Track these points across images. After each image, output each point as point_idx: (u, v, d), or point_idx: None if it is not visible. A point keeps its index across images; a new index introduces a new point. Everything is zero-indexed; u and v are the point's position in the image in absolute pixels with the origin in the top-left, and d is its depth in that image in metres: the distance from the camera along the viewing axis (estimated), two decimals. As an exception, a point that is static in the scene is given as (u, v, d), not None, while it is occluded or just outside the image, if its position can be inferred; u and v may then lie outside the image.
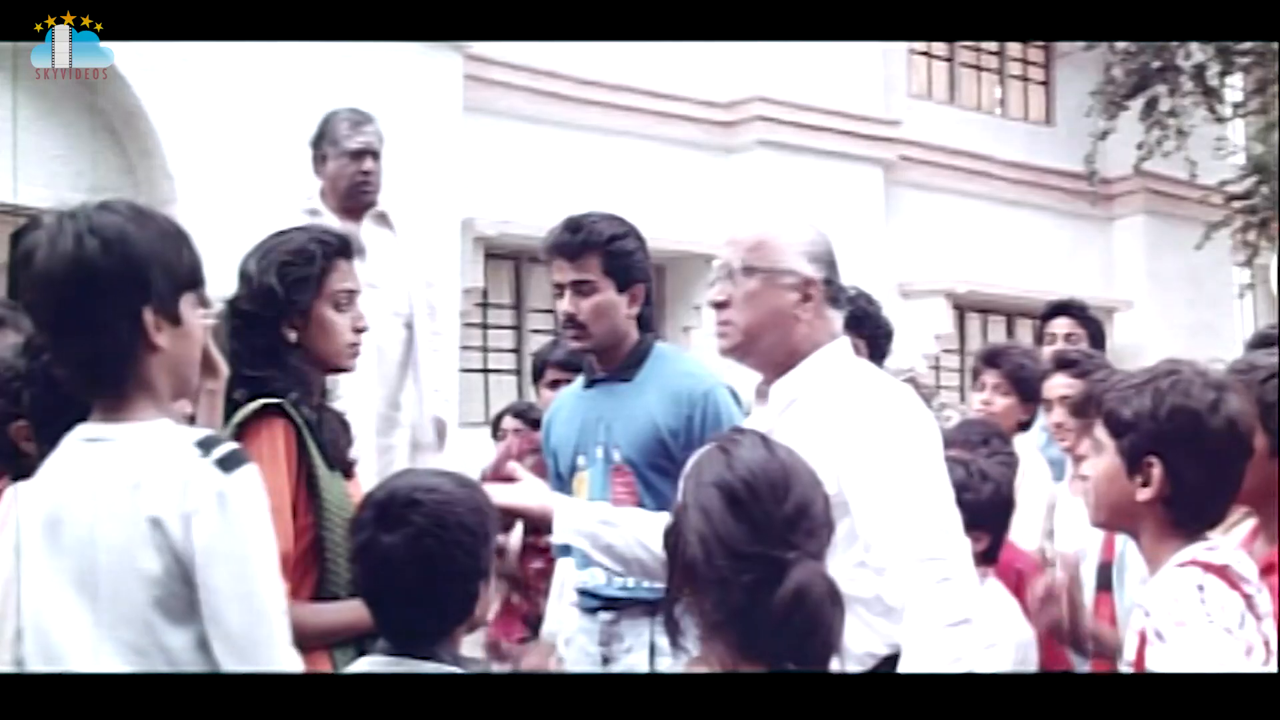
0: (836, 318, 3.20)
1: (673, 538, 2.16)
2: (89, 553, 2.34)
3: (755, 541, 2.08)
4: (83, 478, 2.38)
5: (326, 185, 5.64)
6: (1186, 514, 2.55)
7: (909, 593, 2.87)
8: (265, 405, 3.11)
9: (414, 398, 5.76)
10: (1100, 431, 2.63)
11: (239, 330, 3.23)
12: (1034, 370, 5.29)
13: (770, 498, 2.11)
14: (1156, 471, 2.53)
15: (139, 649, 2.32)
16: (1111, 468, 2.60)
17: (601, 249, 3.73)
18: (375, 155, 5.66)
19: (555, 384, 5.24)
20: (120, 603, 2.32)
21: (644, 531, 3.25)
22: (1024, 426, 5.28)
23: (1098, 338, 6.10)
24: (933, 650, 2.81)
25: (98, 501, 2.34)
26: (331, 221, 5.44)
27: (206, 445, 2.35)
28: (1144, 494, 2.54)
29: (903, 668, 2.84)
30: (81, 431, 2.43)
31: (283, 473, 3.08)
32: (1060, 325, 6.13)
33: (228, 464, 2.33)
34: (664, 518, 3.23)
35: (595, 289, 3.73)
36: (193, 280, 2.47)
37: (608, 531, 3.30)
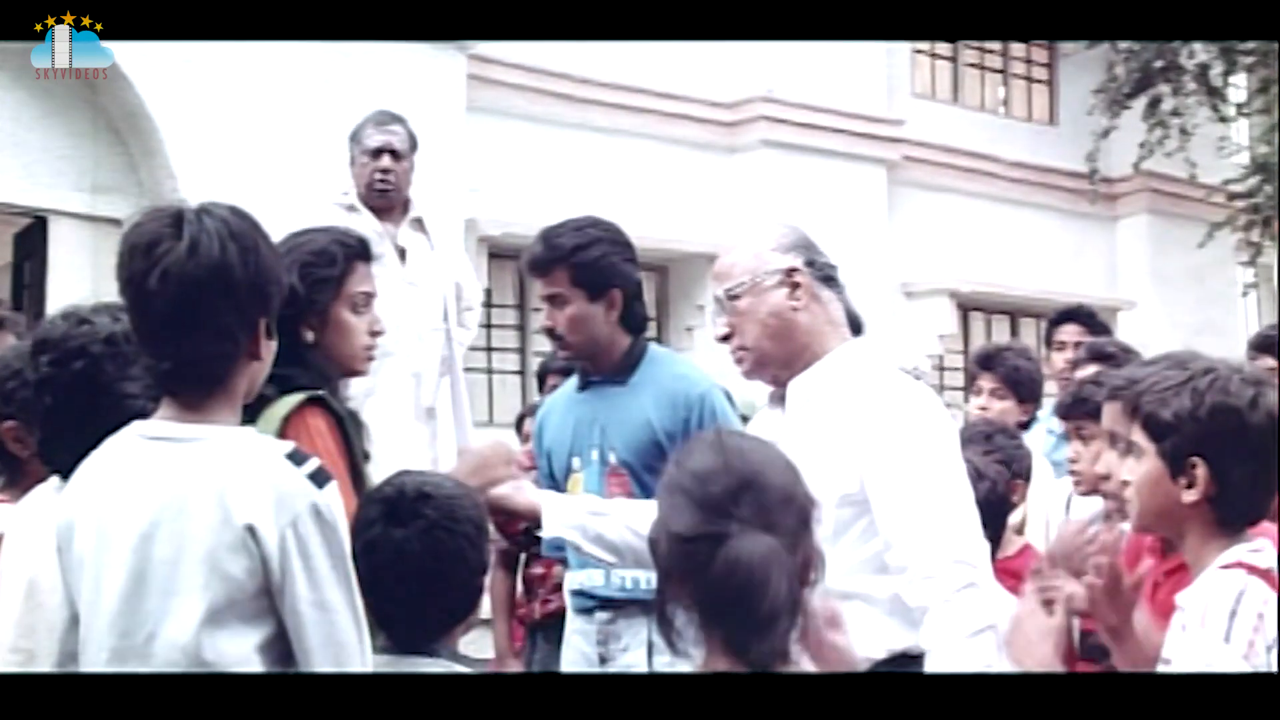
0: (833, 299, 3.20)
1: (653, 549, 2.19)
2: (148, 550, 2.35)
3: (702, 524, 2.09)
4: (158, 475, 2.38)
5: (355, 183, 5.74)
6: (1232, 513, 2.52)
7: (932, 598, 2.86)
8: (309, 397, 3.10)
9: (453, 403, 5.85)
10: (1139, 435, 2.59)
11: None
12: (1029, 370, 5.26)
13: (711, 479, 2.12)
14: (1201, 472, 2.49)
15: (182, 648, 2.32)
16: (1153, 472, 2.56)
17: (566, 262, 3.71)
18: (395, 154, 5.76)
19: (555, 389, 5.28)
20: (176, 598, 2.32)
21: (634, 519, 3.26)
22: (1023, 428, 5.25)
23: None
24: (958, 659, 2.80)
25: (178, 501, 2.34)
26: (369, 220, 5.54)
27: (296, 459, 2.38)
28: (1190, 496, 2.51)
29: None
30: (149, 429, 2.43)
31: (339, 463, 3.08)
32: (1069, 332, 6.11)
33: (319, 479, 2.37)
34: (652, 505, 3.26)
35: (566, 301, 3.72)
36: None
37: (597, 521, 3.31)
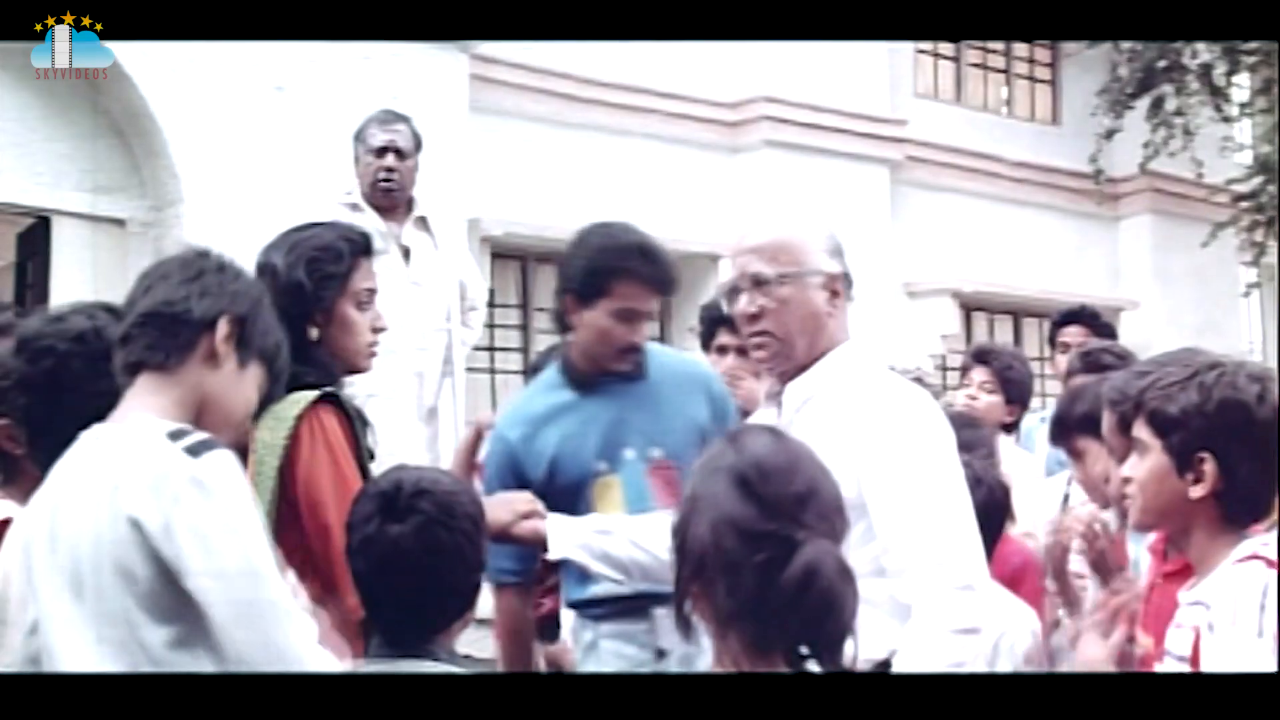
0: (847, 310, 3.20)
1: (681, 532, 2.15)
2: (77, 552, 2.37)
3: (766, 520, 2.06)
4: (74, 476, 2.43)
5: (359, 182, 5.74)
6: (1239, 508, 2.51)
7: (924, 594, 2.86)
8: (321, 395, 3.10)
9: (450, 399, 5.85)
10: (1143, 431, 2.58)
11: None
12: (1022, 372, 5.33)
13: (779, 478, 2.10)
14: (1209, 467, 2.48)
15: (123, 645, 2.33)
16: (1159, 468, 2.55)
17: None
18: (399, 153, 5.76)
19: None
20: (105, 600, 2.34)
21: (640, 535, 3.24)
22: (1009, 429, 5.27)
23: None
24: (933, 652, 2.79)
25: (83, 502, 2.37)
26: (373, 219, 5.54)
27: (177, 435, 2.40)
28: (1197, 491, 2.50)
29: (898, 664, 2.82)
30: (91, 430, 2.48)
31: (352, 460, 3.08)
32: (1072, 333, 6.13)
33: (198, 450, 2.38)
34: (658, 519, 3.24)
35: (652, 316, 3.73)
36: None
37: (604, 540, 3.29)
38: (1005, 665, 3.71)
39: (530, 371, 5.64)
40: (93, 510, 2.36)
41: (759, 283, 3.12)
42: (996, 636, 3.73)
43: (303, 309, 3.20)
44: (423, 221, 5.85)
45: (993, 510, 3.92)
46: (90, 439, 2.46)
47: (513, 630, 3.87)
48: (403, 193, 5.80)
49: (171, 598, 2.34)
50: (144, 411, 2.45)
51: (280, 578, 2.41)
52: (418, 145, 5.90)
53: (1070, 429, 3.99)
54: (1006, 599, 3.92)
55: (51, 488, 2.47)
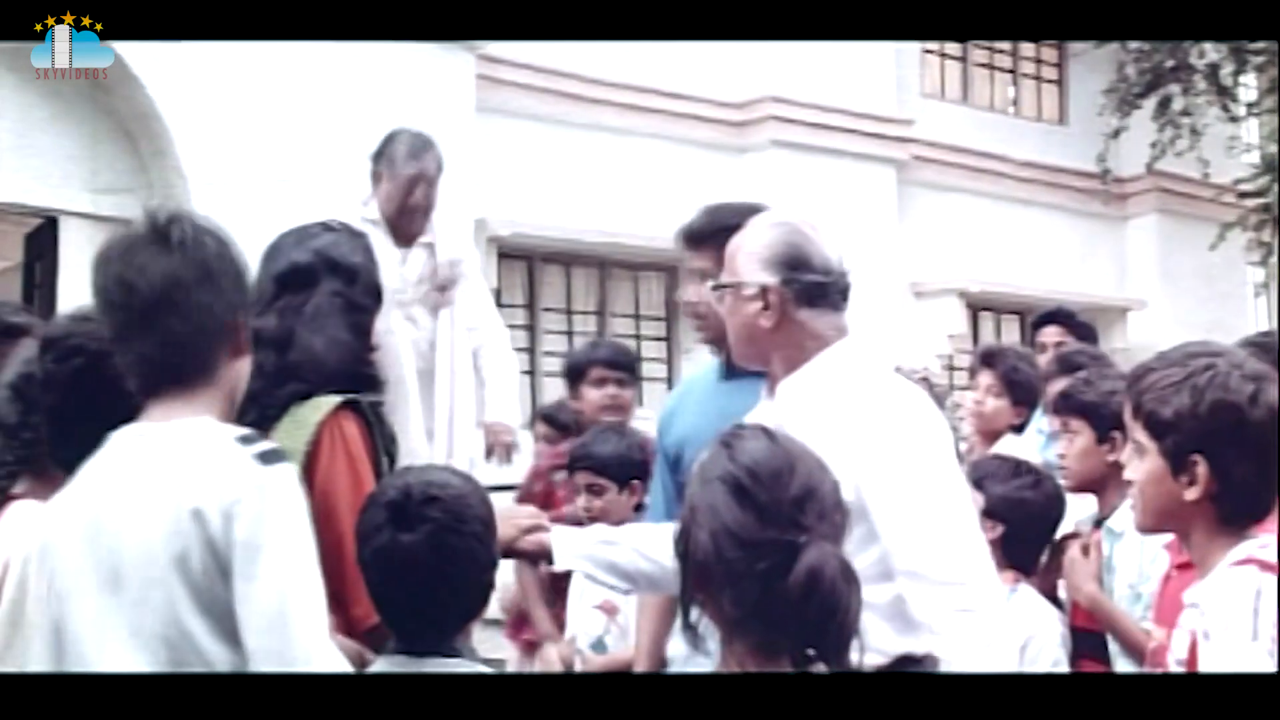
0: (816, 316, 3.09)
1: (682, 541, 2.14)
2: (121, 545, 2.36)
3: (764, 528, 2.05)
4: (122, 472, 2.41)
5: (379, 203, 5.66)
6: (1235, 510, 2.50)
7: (952, 608, 2.82)
8: (344, 401, 3.10)
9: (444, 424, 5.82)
10: (1140, 434, 2.58)
11: (358, 325, 3.20)
12: (1028, 373, 5.32)
13: (774, 483, 2.08)
14: (1202, 470, 2.47)
15: (168, 641, 2.32)
16: (1155, 470, 2.54)
17: None
18: (430, 182, 5.67)
19: (602, 382, 5.22)
20: (149, 592, 2.33)
21: (644, 544, 3.23)
22: (1017, 430, 5.27)
23: (1089, 344, 6.12)
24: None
25: (136, 494, 2.36)
26: (388, 240, 5.51)
27: (248, 440, 2.39)
28: (1191, 494, 2.49)
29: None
30: (127, 430, 2.46)
31: (370, 470, 3.07)
32: (1050, 334, 6.19)
33: (268, 458, 2.37)
34: (662, 528, 3.23)
35: None
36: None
37: (608, 550, 3.27)
38: (1034, 669, 3.69)
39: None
40: (147, 503, 2.34)
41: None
42: (1024, 639, 3.72)
43: (374, 309, 3.24)
44: (430, 248, 5.78)
45: (1051, 508, 3.94)
46: (130, 438, 2.44)
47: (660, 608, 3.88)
48: (425, 222, 5.74)
49: (224, 593, 2.33)
50: (195, 413, 2.44)
51: (318, 598, 2.40)
52: (440, 169, 5.83)
53: (1076, 407, 4.02)
54: (1037, 601, 3.91)
55: (84, 486, 2.45)
